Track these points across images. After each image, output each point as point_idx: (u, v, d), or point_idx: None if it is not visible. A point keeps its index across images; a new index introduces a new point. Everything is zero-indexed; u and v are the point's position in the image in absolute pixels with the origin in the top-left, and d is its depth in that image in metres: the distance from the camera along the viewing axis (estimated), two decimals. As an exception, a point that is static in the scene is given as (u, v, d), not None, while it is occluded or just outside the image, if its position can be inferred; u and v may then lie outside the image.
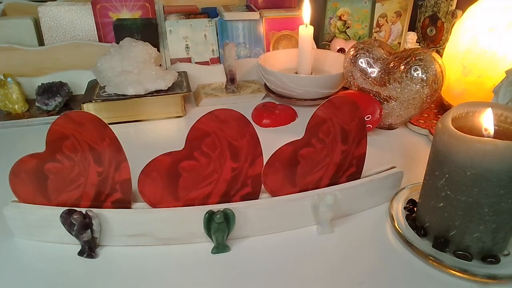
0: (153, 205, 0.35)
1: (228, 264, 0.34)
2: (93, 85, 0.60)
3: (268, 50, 0.74)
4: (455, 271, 0.32)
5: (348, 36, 0.80)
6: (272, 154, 0.36)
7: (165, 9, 0.71)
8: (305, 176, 0.38)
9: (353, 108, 0.37)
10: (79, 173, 0.34)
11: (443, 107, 0.60)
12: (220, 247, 0.35)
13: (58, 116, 0.33)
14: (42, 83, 0.59)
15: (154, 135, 0.56)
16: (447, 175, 0.32)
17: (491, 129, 0.33)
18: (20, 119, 0.56)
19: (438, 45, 0.80)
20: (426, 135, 0.55)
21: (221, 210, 0.34)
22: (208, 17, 0.72)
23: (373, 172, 0.40)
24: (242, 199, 0.37)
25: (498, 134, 0.33)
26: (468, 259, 0.33)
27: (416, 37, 0.82)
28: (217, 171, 0.35)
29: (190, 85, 0.61)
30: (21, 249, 0.35)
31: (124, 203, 0.35)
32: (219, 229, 0.34)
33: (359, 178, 0.40)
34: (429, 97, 0.50)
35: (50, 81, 0.60)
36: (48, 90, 0.58)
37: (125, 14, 0.68)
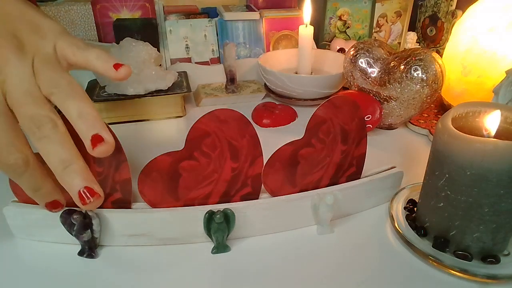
0: (153, 205, 0.35)
1: (228, 264, 0.34)
2: (93, 85, 0.60)
3: (268, 50, 0.74)
4: (455, 271, 0.32)
5: (348, 36, 0.80)
6: (272, 154, 0.36)
7: (165, 9, 0.71)
8: (305, 176, 0.38)
9: (353, 108, 0.37)
10: (79, 173, 0.34)
11: (443, 107, 0.60)
12: (220, 247, 0.35)
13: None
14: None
15: (154, 135, 0.56)
16: (447, 175, 0.32)
17: (491, 129, 0.33)
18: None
19: (438, 45, 0.80)
20: (426, 135, 0.55)
21: (221, 210, 0.34)
22: (208, 17, 0.72)
23: (373, 172, 0.40)
24: (242, 199, 0.37)
25: (498, 134, 0.33)
26: (468, 259, 0.33)
27: (416, 37, 0.82)
28: (217, 171, 0.35)
29: (190, 85, 0.61)
30: (21, 249, 0.35)
31: (124, 203, 0.35)
32: (219, 229, 0.34)
33: (359, 178, 0.40)
34: (429, 97, 0.50)
35: (50, 81, 0.60)
36: (48, 90, 0.58)
37: (125, 14, 0.68)
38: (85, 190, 0.28)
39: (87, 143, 0.28)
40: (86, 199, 0.28)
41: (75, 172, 0.28)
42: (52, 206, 0.30)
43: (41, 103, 0.28)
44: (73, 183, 0.28)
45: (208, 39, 0.71)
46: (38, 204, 0.34)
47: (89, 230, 0.33)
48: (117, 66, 0.31)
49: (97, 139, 0.28)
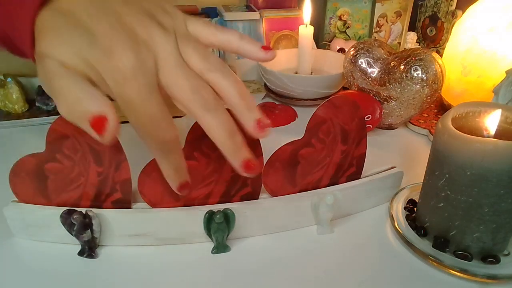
0: (153, 205, 0.35)
1: (228, 264, 0.34)
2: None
3: (268, 50, 0.74)
4: (455, 271, 0.32)
5: (348, 36, 0.80)
6: (272, 154, 0.36)
7: (165, 9, 0.70)
8: (305, 176, 0.38)
9: (353, 108, 0.37)
10: (79, 173, 0.34)
11: (443, 107, 0.60)
12: (220, 247, 0.35)
13: (58, 116, 0.33)
14: (42, 83, 0.59)
15: (154, 135, 0.56)
16: (447, 175, 0.32)
17: (491, 129, 0.33)
18: (20, 119, 0.56)
19: (438, 45, 0.80)
20: (426, 135, 0.55)
21: (221, 210, 0.34)
22: (208, 17, 0.72)
23: (373, 172, 0.40)
24: (242, 199, 0.37)
25: (498, 134, 0.33)
26: (468, 259, 0.33)
27: (416, 37, 0.82)
28: (217, 171, 0.35)
29: (190, 85, 0.61)
30: (21, 249, 0.35)
31: (124, 203, 0.35)
32: (219, 229, 0.34)
33: (359, 178, 0.40)
34: (429, 97, 0.50)
35: (50, 81, 0.60)
36: (48, 90, 0.58)
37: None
38: (248, 161, 0.29)
39: (250, 126, 0.29)
40: (249, 168, 0.29)
41: (241, 143, 0.29)
42: (184, 187, 0.31)
43: (196, 76, 0.28)
44: (240, 153, 0.29)
45: (208, 39, 0.71)
46: (38, 204, 0.34)
47: (89, 230, 0.33)
48: (266, 48, 0.32)
49: (261, 124, 0.29)
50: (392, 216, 0.38)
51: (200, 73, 0.28)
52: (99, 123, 0.25)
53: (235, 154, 0.29)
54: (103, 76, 0.26)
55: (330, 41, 0.78)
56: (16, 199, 0.35)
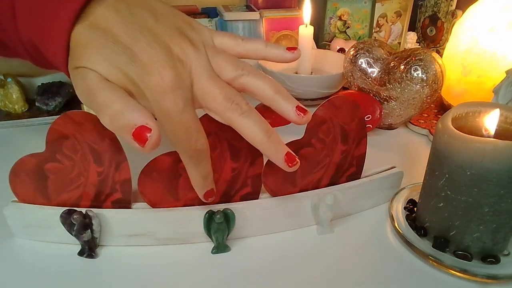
0: (153, 205, 0.35)
1: (228, 264, 0.34)
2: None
3: (268, 50, 0.74)
4: (455, 271, 0.32)
5: (348, 36, 0.80)
6: (272, 154, 0.36)
7: (165, 9, 0.70)
8: (305, 176, 0.38)
9: (353, 108, 0.37)
10: (79, 173, 0.34)
11: (443, 107, 0.60)
12: (220, 247, 0.35)
13: (58, 116, 0.33)
14: (42, 83, 0.59)
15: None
16: (447, 175, 0.32)
17: (491, 129, 0.33)
18: (20, 119, 0.56)
19: (438, 45, 0.80)
20: (426, 135, 0.55)
21: (221, 210, 0.34)
22: (208, 17, 0.72)
23: (373, 172, 0.40)
24: (242, 199, 0.37)
25: (498, 134, 0.33)
26: (468, 259, 0.33)
27: (416, 37, 0.82)
28: (217, 171, 0.35)
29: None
30: (21, 249, 0.35)
31: (124, 203, 0.35)
32: (219, 229, 0.34)
33: (359, 178, 0.40)
34: (429, 97, 0.50)
35: (50, 81, 0.60)
36: (48, 90, 0.58)
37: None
38: (288, 155, 0.30)
39: (292, 114, 0.31)
40: (291, 162, 0.31)
41: (278, 140, 0.31)
42: (210, 194, 0.32)
43: (226, 85, 0.30)
44: (278, 149, 0.30)
45: (208, 39, 0.71)
46: (38, 204, 0.34)
47: (89, 230, 0.33)
48: (290, 49, 0.34)
49: (301, 109, 0.31)
50: (392, 216, 0.38)
51: (233, 80, 0.30)
52: (141, 134, 0.25)
53: (276, 151, 0.30)
54: (143, 90, 0.27)
55: (330, 41, 0.78)
56: (16, 199, 0.35)
